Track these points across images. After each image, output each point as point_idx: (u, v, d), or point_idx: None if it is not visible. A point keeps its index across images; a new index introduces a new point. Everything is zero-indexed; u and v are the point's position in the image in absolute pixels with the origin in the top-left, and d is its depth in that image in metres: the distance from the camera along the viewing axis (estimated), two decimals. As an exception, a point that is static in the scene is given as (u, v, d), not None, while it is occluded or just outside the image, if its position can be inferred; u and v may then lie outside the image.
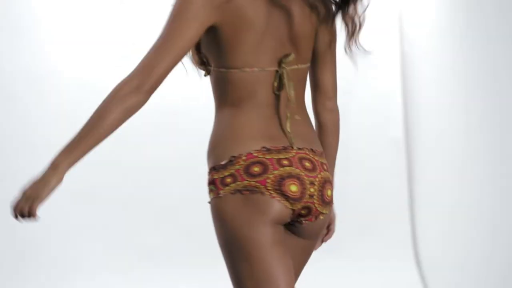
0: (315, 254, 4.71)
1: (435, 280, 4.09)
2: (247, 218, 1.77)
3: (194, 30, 1.73)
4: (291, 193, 1.79)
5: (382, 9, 4.53)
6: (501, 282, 3.05)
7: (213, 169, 1.82)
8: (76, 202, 4.04)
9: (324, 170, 1.86)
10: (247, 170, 1.78)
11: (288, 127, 1.83)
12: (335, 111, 2.02)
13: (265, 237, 1.77)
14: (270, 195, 1.77)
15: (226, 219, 1.79)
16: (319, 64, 1.97)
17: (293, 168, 1.79)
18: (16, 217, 1.79)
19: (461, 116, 3.58)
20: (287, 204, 1.79)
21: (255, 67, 1.82)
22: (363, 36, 4.83)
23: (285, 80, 1.82)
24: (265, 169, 1.78)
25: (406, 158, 4.53)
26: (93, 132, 1.67)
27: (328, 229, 2.11)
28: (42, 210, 4.33)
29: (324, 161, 1.89)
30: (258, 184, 1.77)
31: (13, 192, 4.22)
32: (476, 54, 3.32)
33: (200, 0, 1.73)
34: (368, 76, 4.57)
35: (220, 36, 1.79)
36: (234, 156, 1.79)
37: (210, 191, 1.83)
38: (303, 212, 1.83)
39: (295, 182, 1.79)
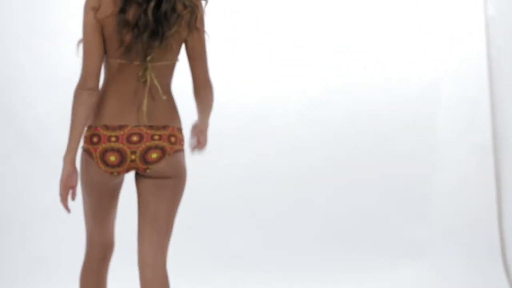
0: (400, 255, 4.63)
1: (524, 286, 4.04)
2: (85, 171, 2.53)
3: (97, 40, 2.45)
4: (110, 162, 2.50)
5: (469, 13, 4.50)
6: None
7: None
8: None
9: (155, 139, 2.50)
10: (90, 138, 2.50)
11: (144, 108, 2.48)
12: (206, 97, 2.60)
13: (91, 187, 2.54)
14: (96, 162, 2.50)
15: (80, 168, 2.55)
16: (190, 62, 2.54)
17: (117, 143, 2.49)
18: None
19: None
20: (108, 168, 2.50)
21: (123, 60, 2.46)
22: (450, 42, 4.81)
23: (147, 73, 2.47)
24: (98, 141, 2.49)
25: (494, 164, 4.48)
26: (77, 130, 2.45)
27: (198, 141, 2.76)
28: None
29: (162, 132, 2.51)
30: (92, 150, 2.50)
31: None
32: None
33: (88, 19, 2.43)
34: (455, 82, 4.54)
35: (103, 35, 2.46)
36: (89, 126, 2.52)
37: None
38: (133, 170, 2.54)
39: (115, 154, 2.49)
